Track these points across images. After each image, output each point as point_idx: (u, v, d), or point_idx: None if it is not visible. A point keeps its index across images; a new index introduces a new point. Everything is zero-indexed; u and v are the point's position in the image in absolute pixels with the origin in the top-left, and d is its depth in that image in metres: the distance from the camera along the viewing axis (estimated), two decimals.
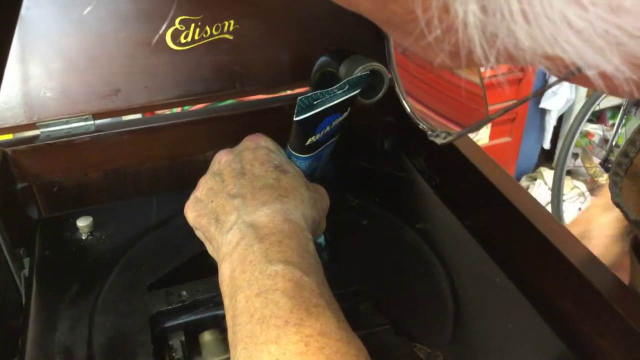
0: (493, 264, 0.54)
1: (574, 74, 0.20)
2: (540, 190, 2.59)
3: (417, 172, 0.71)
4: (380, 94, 0.59)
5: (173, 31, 0.67)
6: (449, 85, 0.31)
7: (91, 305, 0.50)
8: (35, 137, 0.67)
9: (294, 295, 0.36)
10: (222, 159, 0.49)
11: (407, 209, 0.63)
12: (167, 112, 0.82)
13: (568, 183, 2.50)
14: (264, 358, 0.34)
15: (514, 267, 0.54)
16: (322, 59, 0.64)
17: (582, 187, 2.54)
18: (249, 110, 0.74)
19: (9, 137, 0.67)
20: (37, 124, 0.66)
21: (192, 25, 0.67)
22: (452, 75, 0.28)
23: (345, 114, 0.52)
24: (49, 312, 0.50)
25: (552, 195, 2.38)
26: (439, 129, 0.31)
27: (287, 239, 0.40)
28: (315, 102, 0.47)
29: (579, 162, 2.61)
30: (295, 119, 0.47)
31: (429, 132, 0.31)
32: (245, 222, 0.42)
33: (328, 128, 0.51)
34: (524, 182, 2.66)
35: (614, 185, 0.50)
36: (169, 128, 0.71)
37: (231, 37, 0.69)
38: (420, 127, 0.32)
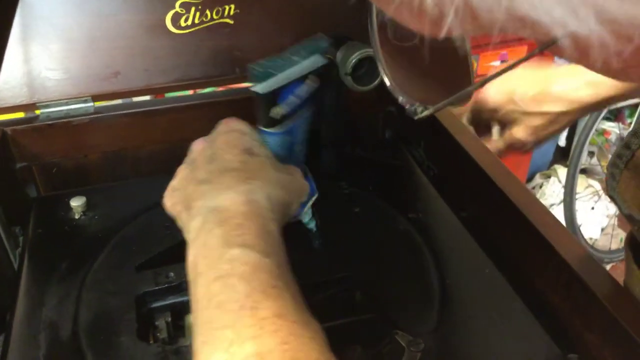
0: (484, 255, 0.54)
1: (554, 42, 0.20)
2: (554, 188, 2.56)
3: (415, 162, 0.70)
4: (377, 81, 0.59)
5: (173, 14, 0.67)
6: (433, 57, 0.30)
7: (80, 283, 0.51)
8: (35, 118, 0.67)
9: (251, 279, 0.36)
10: (196, 147, 0.50)
11: (402, 199, 0.62)
12: (166, 95, 0.82)
13: (582, 181, 2.46)
14: (219, 343, 0.34)
15: (505, 260, 0.53)
16: None
17: (597, 185, 2.51)
18: (248, 95, 0.73)
19: (9, 116, 0.68)
20: (37, 105, 0.66)
21: (193, 9, 0.67)
22: (438, 46, 0.27)
23: (314, 84, 0.51)
24: (38, 288, 0.51)
25: (565, 193, 2.35)
26: (417, 103, 0.30)
27: (247, 221, 0.40)
28: (270, 70, 0.47)
29: (594, 160, 2.57)
30: (252, 89, 0.47)
31: (407, 106, 0.31)
32: (207, 207, 0.42)
33: (292, 97, 0.50)
34: (537, 180, 2.63)
35: (611, 178, 0.49)
36: (167, 112, 0.72)
37: (231, 22, 0.69)
38: (399, 101, 0.31)
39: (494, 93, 0.71)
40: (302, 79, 0.50)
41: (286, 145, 0.52)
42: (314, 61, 0.50)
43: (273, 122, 0.50)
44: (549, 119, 0.70)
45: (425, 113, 0.30)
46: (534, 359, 0.44)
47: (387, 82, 0.32)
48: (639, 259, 0.50)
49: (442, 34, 0.22)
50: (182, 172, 0.48)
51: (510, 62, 0.27)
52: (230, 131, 0.49)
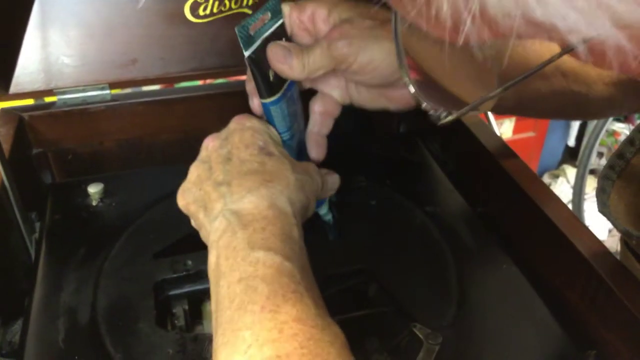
0: (501, 251, 0.53)
1: (572, 49, 0.20)
2: (562, 188, 2.56)
3: (431, 157, 0.70)
4: None
5: (192, 3, 0.67)
6: (455, 63, 0.30)
7: (97, 269, 0.51)
8: (52, 104, 0.67)
9: (273, 282, 0.37)
10: (209, 145, 0.49)
11: (418, 193, 0.62)
12: (183, 84, 0.82)
13: (591, 182, 2.46)
14: (238, 344, 0.34)
15: (522, 255, 0.53)
16: None
17: None
18: None
19: (26, 102, 0.68)
20: (55, 91, 0.67)
21: None
22: (460, 51, 0.27)
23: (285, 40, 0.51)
24: (56, 273, 0.51)
25: (574, 194, 2.35)
26: (441, 109, 0.30)
27: (271, 226, 0.41)
28: (252, 34, 0.46)
29: (604, 161, 2.56)
30: (247, 54, 0.46)
31: (431, 112, 0.31)
32: (230, 209, 0.42)
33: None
34: (546, 179, 2.63)
35: (601, 192, 0.48)
36: (183, 101, 0.72)
37: (250, 12, 0.69)
38: (423, 107, 0.31)
39: None
40: (278, 38, 0.50)
41: (291, 111, 0.52)
42: (280, 23, 0.50)
43: (272, 88, 0.49)
44: None
45: (449, 119, 0.30)
46: (550, 355, 0.44)
47: (411, 88, 0.31)
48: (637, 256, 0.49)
49: (461, 40, 0.22)
50: (195, 170, 0.48)
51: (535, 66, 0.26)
52: (244, 129, 0.49)
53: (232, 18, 0.68)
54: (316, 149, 0.54)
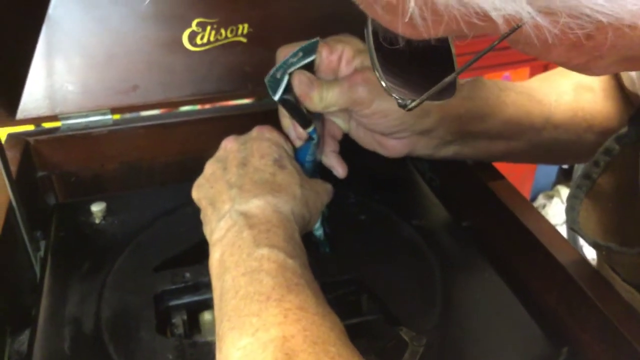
0: (483, 260, 0.56)
1: (515, 29, 0.23)
2: (557, 209, 2.57)
3: (418, 174, 0.73)
4: None
5: (190, 32, 0.71)
6: (420, 58, 0.33)
7: (101, 282, 0.53)
8: (56, 129, 0.71)
9: (277, 275, 0.40)
10: (227, 146, 0.53)
11: (406, 207, 0.65)
12: (182, 109, 0.85)
13: None
14: (245, 328, 0.37)
15: (503, 264, 0.56)
16: None
17: None
18: (260, 110, 0.77)
19: (32, 127, 0.71)
20: (59, 116, 0.70)
21: (208, 28, 0.71)
22: (424, 47, 0.31)
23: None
24: (61, 287, 0.53)
25: (567, 225, 2.36)
26: (408, 99, 0.34)
27: (275, 228, 0.44)
28: (279, 76, 0.51)
29: None
30: (276, 99, 0.51)
31: (399, 101, 0.34)
32: (237, 210, 0.45)
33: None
34: (540, 200, 2.65)
35: (570, 210, 0.51)
36: (182, 125, 0.75)
37: (245, 40, 0.73)
38: (393, 96, 0.35)
39: None
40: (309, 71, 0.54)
41: (317, 143, 0.56)
42: (311, 59, 0.54)
43: (308, 119, 0.53)
44: None
45: (414, 104, 0.34)
46: (529, 354, 0.47)
47: (382, 82, 0.35)
48: (614, 269, 0.52)
49: (421, 36, 0.25)
50: (211, 167, 0.52)
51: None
52: (263, 139, 0.53)
53: (228, 46, 0.72)
54: (340, 165, 0.59)
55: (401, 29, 0.25)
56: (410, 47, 0.29)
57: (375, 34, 0.34)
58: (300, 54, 0.53)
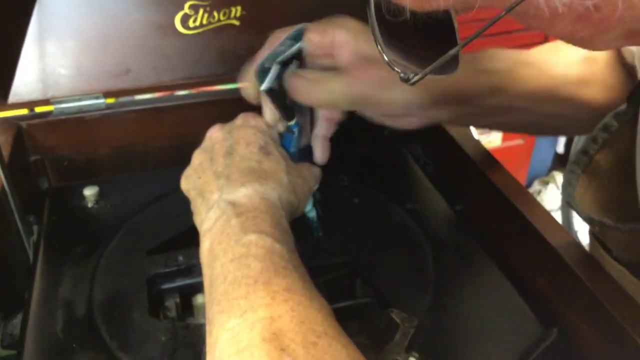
0: (475, 243, 0.57)
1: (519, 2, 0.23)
2: (552, 195, 2.58)
3: (412, 159, 0.73)
4: None
5: (182, 15, 0.70)
6: (423, 31, 0.33)
7: (93, 266, 0.54)
8: (49, 113, 0.70)
9: (265, 259, 0.40)
10: (213, 135, 0.53)
11: (399, 192, 0.65)
12: (174, 93, 0.85)
13: None
14: (234, 310, 0.37)
15: (495, 247, 0.56)
16: None
17: None
18: None
19: (24, 111, 0.71)
20: (51, 100, 0.69)
21: (201, 10, 0.70)
22: (427, 20, 0.31)
23: (293, 65, 0.54)
24: (53, 270, 0.53)
25: (563, 200, 2.38)
26: (410, 73, 0.33)
27: (262, 214, 0.44)
28: (266, 65, 0.50)
29: None
30: (263, 89, 0.51)
31: (401, 75, 0.34)
32: (225, 200, 0.46)
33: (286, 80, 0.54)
34: (536, 186, 2.65)
35: (567, 184, 0.51)
36: (175, 109, 0.75)
37: (238, 23, 0.72)
38: (395, 70, 0.34)
39: None
40: (287, 66, 0.54)
41: (303, 129, 0.56)
42: (298, 46, 0.54)
43: (291, 112, 0.53)
44: None
45: (417, 78, 0.33)
46: (519, 336, 0.47)
47: (385, 57, 0.35)
48: (607, 248, 0.52)
49: (429, 5, 0.25)
50: (198, 158, 0.52)
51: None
52: (248, 127, 0.53)
53: (221, 29, 0.72)
54: (322, 151, 0.59)
55: (409, 0, 0.25)
56: (414, 20, 0.29)
57: (377, 6, 0.33)
58: (289, 42, 0.53)
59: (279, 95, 0.53)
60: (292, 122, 0.54)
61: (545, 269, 0.51)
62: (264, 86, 0.52)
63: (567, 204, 0.50)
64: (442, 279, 0.53)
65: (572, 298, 0.49)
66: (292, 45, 0.53)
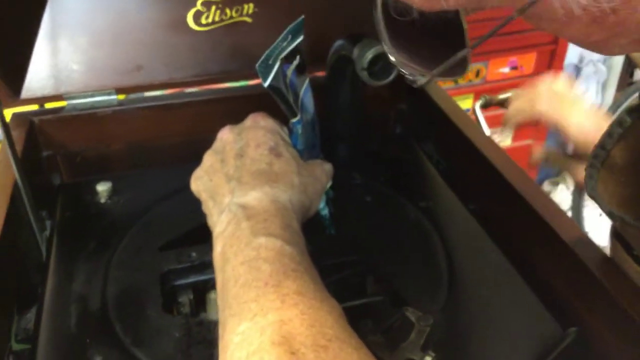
0: (490, 242, 0.56)
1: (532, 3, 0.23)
2: (562, 195, 2.57)
3: (425, 156, 0.73)
4: (392, 76, 0.61)
5: (195, 12, 0.70)
6: (431, 32, 0.33)
7: (106, 261, 0.53)
8: (61, 109, 0.70)
9: (275, 262, 0.40)
10: (223, 137, 0.53)
11: (412, 189, 0.65)
12: (186, 90, 0.85)
13: None
14: (245, 314, 0.37)
15: (511, 246, 0.56)
16: (338, 43, 0.66)
17: None
18: (265, 91, 0.76)
19: (36, 107, 0.71)
20: (64, 96, 0.70)
21: (213, 7, 0.70)
22: (435, 21, 0.30)
23: (296, 61, 0.54)
24: (67, 265, 0.53)
25: (573, 200, 2.36)
26: (417, 74, 0.33)
27: (272, 217, 0.44)
28: (270, 62, 0.50)
29: None
30: (266, 85, 0.50)
31: (409, 77, 0.33)
32: (236, 203, 0.46)
33: (288, 77, 0.54)
34: (546, 187, 2.64)
35: (589, 178, 0.51)
36: (187, 106, 0.75)
37: (250, 20, 0.72)
38: (402, 72, 0.34)
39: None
40: (290, 61, 0.53)
41: (309, 126, 0.55)
42: (299, 40, 0.53)
43: (294, 110, 0.53)
44: None
45: (423, 80, 0.33)
46: (535, 335, 0.46)
47: (392, 57, 0.34)
48: (627, 246, 0.51)
49: (439, 5, 0.25)
50: (209, 159, 0.52)
51: (503, 19, 0.29)
52: (258, 127, 0.52)
53: (233, 26, 0.72)
54: None
55: (418, 0, 0.25)
56: (422, 20, 0.29)
57: (385, 5, 0.33)
58: (290, 36, 0.53)
59: (281, 92, 0.52)
60: (296, 119, 0.54)
61: (562, 269, 0.51)
62: (267, 83, 0.51)
63: (591, 197, 0.50)
64: (457, 277, 0.52)
65: (588, 297, 0.48)
66: (292, 40, 0.53)
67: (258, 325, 0.36)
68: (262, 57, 0.51)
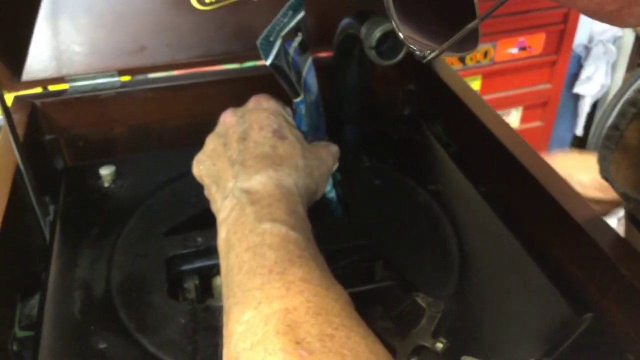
0: (502, 225, 0.55)
1: None
2: None
3: (434, 138, 0.71)
4: (400, 55, 0.60)
5: None
6: (440, 6, 0.31)
7: (111, 246, 0.53)
8: (63, 91, 0.69)
9: (279, 248, 0.39)
10: (226, 120, 0.51)
11: (421, 172, 0.63)
12: (190, 71, 0.83)
13: None
14: (249, 302, 0.36)
15: (523, 229, 0.55)
16: (345, 21, 0.65)
17: None
18: (269, 72, 0.75)
19: (38, 90, 0.70)
20: (66, 78, 0.68)
21: None
22: None
23: (298, 38, 0.53)
24: (70, 251, 0.53)
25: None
26: (426, 49, 0.32)
27: (277, 202, 0.43)
28: (272, 39, 0.48)
29: None
30: (268, 63, 0.49)
31: (417, 52, 0.32)
32: (240, 188, 0.44)
33: (291, 55, 0.52)
34: None
35: (602, 159, 0.50)
36: (191, 87, 0.73)
37: None
38: (410, 48, 0.33)
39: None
40: (291, 38, 0.52)
41: (313, 106, 0.54)
42: (300, 16, 0.52)
43: (296, 90, 0.51)
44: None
45: (432, 55, 0.31)
46: (549, 320, 0.45)
47: (400, 33, 0.33)
48: None
49: None
50: (212, 143, 0.50)
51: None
52: (261, 109, 0.51)
53: (237, 5, 0.70)
54: None
55: None
56: None
57: None
58: (290, 12, 0.51)
59: (284, 71, 0.51)
60: (299, 99, 0.52)
61: (576, 253, 0.50)
62: (269, 61, 0.50)
63: (604, 179, 0.48)
64: (468, 262, 0.51)
65: (603, 282, 0.47)
66: (293, 16, 0.51)
67: (262, 314, 0.35)
68: (263, 34, 0.49)
